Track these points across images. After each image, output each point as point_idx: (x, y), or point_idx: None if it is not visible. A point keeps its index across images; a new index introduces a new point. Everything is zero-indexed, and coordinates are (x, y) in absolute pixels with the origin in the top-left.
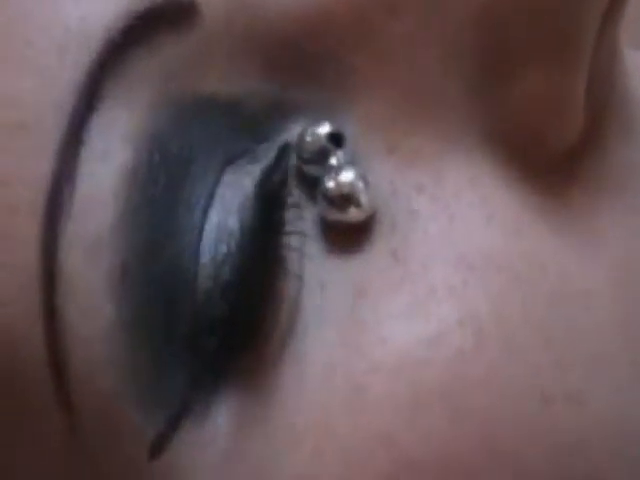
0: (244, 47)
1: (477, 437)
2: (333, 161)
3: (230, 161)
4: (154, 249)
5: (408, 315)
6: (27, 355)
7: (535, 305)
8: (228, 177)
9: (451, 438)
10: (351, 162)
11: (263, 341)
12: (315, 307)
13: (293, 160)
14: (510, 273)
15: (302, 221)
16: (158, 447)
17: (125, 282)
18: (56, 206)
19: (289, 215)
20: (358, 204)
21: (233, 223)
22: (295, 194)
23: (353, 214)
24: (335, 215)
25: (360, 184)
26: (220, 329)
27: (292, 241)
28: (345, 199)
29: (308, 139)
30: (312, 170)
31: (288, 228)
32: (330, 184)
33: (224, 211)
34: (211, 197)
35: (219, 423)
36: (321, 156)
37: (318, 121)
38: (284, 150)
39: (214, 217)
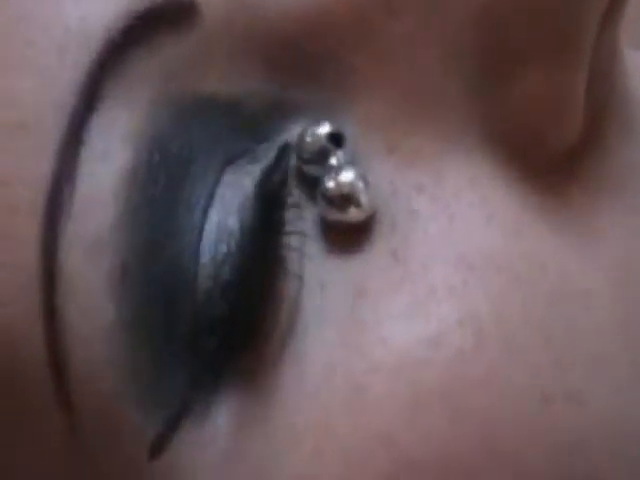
0: (244, 47)
1: (477, 437)
2: (333, 161)
3: (230, 161)
4: (154, 249)
5: (408, 315)
6: (27, 355)
7: (535, 305)
8: (228, 177)
9: (451, 438)
10: (351, 162)
11: (263, 341)
12: (315, 307)
13: (293, 160)
14: (510, 273)
15: (302, 221)
16: (158, 447)
17: (125, 282)
18: (56, 206)
19: (289, 215)
20: (358, 204)
21: (233, 223)
22: (295, 194)
23: (353, 214)
24: (335, 215)
25: (360, 184)
26: (220, 329)
27: (292, 241)
28: (345, 199)
29: (308, 139)
30: (312, 170)
31: (288, 228)
32: (330, 184)
33: (224, 211)
34: (211, 197)
35: (219, 423)
36: (321, 156)
37: (318, 121)
38: (284, 150)
39: (214, 217)
